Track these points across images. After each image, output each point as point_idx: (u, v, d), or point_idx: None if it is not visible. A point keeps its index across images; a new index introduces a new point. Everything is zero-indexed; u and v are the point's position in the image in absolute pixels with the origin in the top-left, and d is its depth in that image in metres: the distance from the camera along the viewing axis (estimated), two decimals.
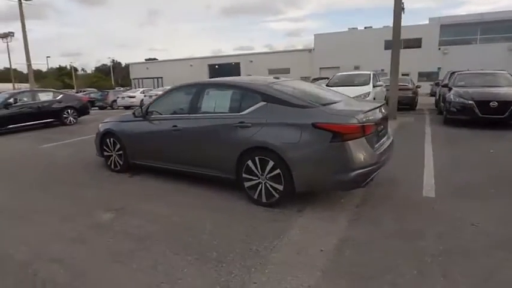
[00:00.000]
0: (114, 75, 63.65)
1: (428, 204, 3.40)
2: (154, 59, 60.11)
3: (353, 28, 37.30)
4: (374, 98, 9.60)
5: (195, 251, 2.69)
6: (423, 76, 29.91)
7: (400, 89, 11.38)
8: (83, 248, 2.84)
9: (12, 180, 4.99)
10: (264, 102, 3.51)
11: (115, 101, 20.99)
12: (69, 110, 11.45)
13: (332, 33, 36.85)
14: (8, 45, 25.91)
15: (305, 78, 20.25)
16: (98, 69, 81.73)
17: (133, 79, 49.71)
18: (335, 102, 3.59)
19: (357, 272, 2.33)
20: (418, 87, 16.29)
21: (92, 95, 22.01)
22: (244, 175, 3.54)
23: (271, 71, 41.42)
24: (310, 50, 39.12)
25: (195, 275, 2.37)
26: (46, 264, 2.60)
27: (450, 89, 8.57)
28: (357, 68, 29.06)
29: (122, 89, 27.65)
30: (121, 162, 4.95)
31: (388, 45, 33.13)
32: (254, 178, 3.48)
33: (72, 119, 11.55)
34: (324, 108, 3.30)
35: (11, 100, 10.02)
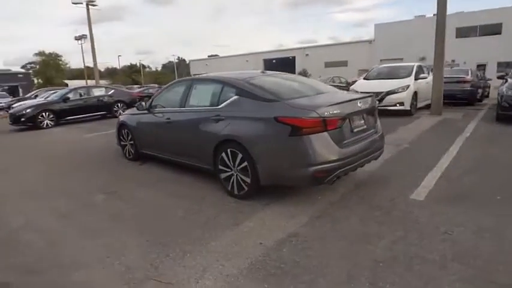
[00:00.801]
0: (178, 71, 68.12)
1: (410, 208, 3.14)
2: (216, 55, 62.66)
3: (420, 16, 34.16)
4: (416, 92, 8.88)
5: (153, 234, 2.92)
6: (503, 66, 26.17)
7: (455, 82, 10.29)
8: (66, 222, 3.29)
9: (45, 164, 5.85)
10: (237, 96, 3.59)
11: None
12: (119, 104, 12.76)
13: (394, 23, 34.39)
14: (82, 46, 29.49)
15: (363, 72, 19.36)
16: (164, 66, 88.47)
17: (194, 75, 52.51)
18: (307, 96, 3.50)
19: (283, 268, 2.32)
20: (488, 79, 14.41)
21: (150, 90, 23.99)
22: (220, 167, 3.68)
23: (328, 64, 40.32)
24: (370, 41, 37.03)
25: (137, 254, 2.60)
26: (30, 232, 3.10)
27: (506, 81, 7.48)
28: (422, 59, 26.69)
29: None
30: (133, 152, 5.47)
31: (461, 32, 29.78)
32: (227, 170, 3.60)
33: (121, 112, 12.84)
34: (289, 102, 3.24)
35: (69, 95, 11.58)
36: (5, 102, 19.84)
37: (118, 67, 72.51)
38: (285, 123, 3.05)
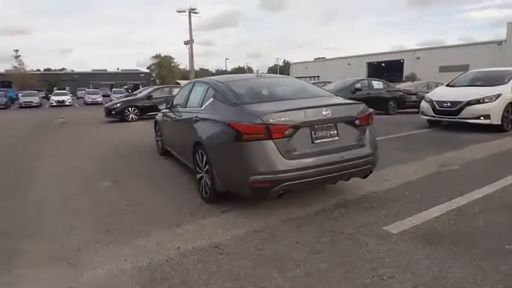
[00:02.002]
0: (284, 74, 70.37)
1: (369, 239, 2.63)
2: (323, 57, 62.28)
3: None
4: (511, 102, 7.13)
5: (108, 222, 3.26)
6: None
7: None
8: (63, 201, 3.94)
9: (96, 150, 6.99)
10: (213, 99, 3.63)
11: None
12: None
13: None
14: (189, 50, 33.55)
15: None
16: (270, 69, 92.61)
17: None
18: (272, 101, 3.29)
19: (169, 277, 2.30)
20: None
21: None
22: (196, 168, 3.80)
23: (443, 69, 35.36)
24: (500, 42, 30.87)
25: (81, 234, 2.98)
26: (35, 203, 3.85)
27: None
28: None
29: None
30: (160, 147, 6.07)
31: None
32: (199, 172, 3.68)
33: None
34: (246, 107, 3.11)
35: (152, 93, 13.39)
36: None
37: (226, 69, 79.34)
38: (233, 128, 2.97)
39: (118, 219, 3.32)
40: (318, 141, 3.02)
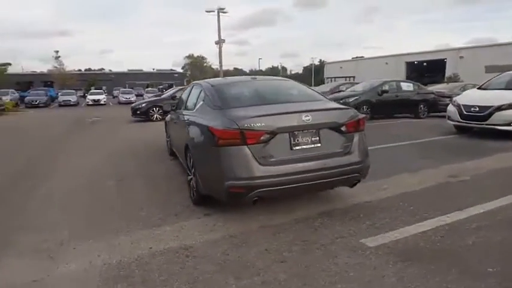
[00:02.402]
0: (319, 74, 69.23)
1: (342, 252, 2.55)
2: (361, 57, 60.61)
3: None
4: None
5: (96, 217, 3.47)
6: None
7: None
8: (65, 197, 4.21)
9: (114, 148, 7.34)
10: (202, 102, 3.71)
11: None
12: None
13: None
14: (218, 50, 34.05)
15: None
16: (305, 69, 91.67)
17: (327, 78, 52.44)
18: (255, 105, 3.27)
19: (131, 275, 2.39)
20: None
21: None
22: (187, 169, 3.90)
23: (490, 69, 32.80)
24: None
25: (68, 228, 3.17)
26: (39, 196, 4.16)
27: None
28: None
29: None
30: (168, 148, 6.27)
31: None
32: (189, 174, 3.77)
33: None
34: (228, 111, 3.14)
35: (177, 93, 13.80)
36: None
37: (260, 69, 79.77)
38: (211, 132, 3.01)
39: (106, 216, 3.49)
40: (298, 147, 2.97)
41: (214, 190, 3.15)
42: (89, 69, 67.28)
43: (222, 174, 2.88)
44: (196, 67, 48.81)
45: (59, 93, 29.30)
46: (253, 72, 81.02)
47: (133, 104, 14.52)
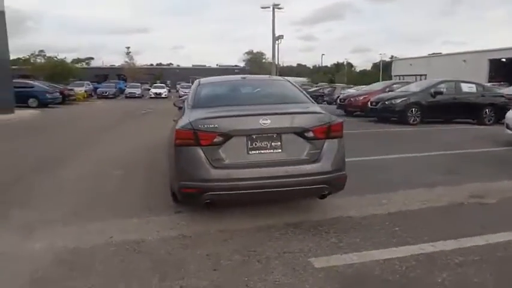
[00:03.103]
0: (388, 71, 65.14)
1: (279, 267, 2.36)
2: (439, 53, 55.58)
3: None
4: None
5: (85, 203, 3.75)
6: None
7: None
8: (73, 181, 4.62)
9: (144, 140, 7.75)
10: (187, 100, 3.73)
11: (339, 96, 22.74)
12: None
13: None
14: (278, 46, 34.04)
15: None
16: (375, 65, 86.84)
17: (395, 76, 49.09)
18: (223, 106, 3.19)
19: (76, 258, 2.53)
20: None
21: (321, 90, 24.89)
22: None
23: None
24: None
25: (57, 211, 3.46)
26: (52, 178, 4.62)
27: None
28: None
29: (351, 86, 29.02)
30: None
31: None
32: None
33: None
34: (194, 111, 3.13)
35: None
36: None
37: (323, 65, 77.73)
38: (173, 132, 3.02)
39: (93, 203, 3.76)
40: (255, 152, 2.83)
41: (174, 189, 3.16)
42: (160, 64, 72.60)
43: (177, 173, 2.90)
44: (256, 63, 49.48)
45: (127, 86, 32.25)
46: (316, 69, 79.35)
47: (175, 100, 15.23)
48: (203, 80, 4.20)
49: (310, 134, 2.87)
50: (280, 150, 2.86)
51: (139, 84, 34.32)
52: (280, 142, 2.85)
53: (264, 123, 2.78)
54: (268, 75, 4.59)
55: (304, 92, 3.67)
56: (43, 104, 17.32)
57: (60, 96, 19.12)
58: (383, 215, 3.31)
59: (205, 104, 3.30)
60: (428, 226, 3.03)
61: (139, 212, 3.42)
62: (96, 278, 2.29)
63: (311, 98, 3.55)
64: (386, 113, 10.92)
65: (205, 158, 2.76)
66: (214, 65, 63.57)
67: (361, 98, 13.18)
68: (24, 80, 19.46)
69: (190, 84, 37.35)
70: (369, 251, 2.60)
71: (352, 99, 13.80)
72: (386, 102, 10.93)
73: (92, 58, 47.66)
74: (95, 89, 29.73)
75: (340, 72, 64.19)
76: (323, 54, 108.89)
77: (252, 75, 4.51)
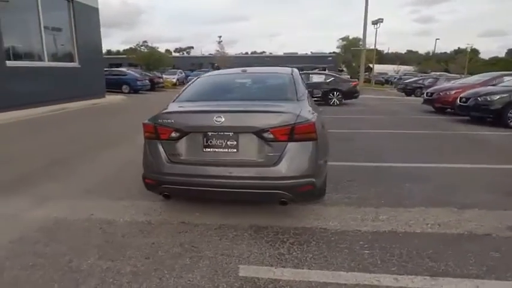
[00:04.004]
0: None
1: (201, 265, 2.36)
2: None
3: None
4: None
5: (99, 184, 4.28)
6: None
7: None
8: (113, 167, 5.30)
9: None
10: None
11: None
12: (334, 92, 13.74)
13: None
14: (376, 31, 31.45)
15: None
16: (510, 51, 73.29)
17: None
18: (199, 101, 3.23)
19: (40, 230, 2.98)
20: None
21: (420, 81, 22.51)
22: None
23: None
24: None
25: (76, 189, 4.10)
26: (97, 161, 5.40)
27: None
28: None
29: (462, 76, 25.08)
30: None
31: None
32: None
33: (336, 100, 13.78)
34: (171, 104, 3.24)
35: None
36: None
37: (434, 52, 69.32)
38: None
39: (113, 183, 4.24)
40: (209, 149, 2.81)
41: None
42: (254, 52, 75.20)
43: (143, 164, 3.09)
44: (350, 50, 46.68)
45: None
46: (428, 56, 70.60)
47: None
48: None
49: (269, 135, 2.69)
50: (235, 150, 2.78)
51: (203, 72, 36.18)
52: (237, 142, 2.77)
53: (217, 121, 2.74)
54: (273, 68, 4.38)
55: (300, 89, 3.43)
56: (134, 90, 19.95)
57: (149, 83, 21.67)
58: (366, 232, 2.92)
59: (187, 98, 3.42)
60: (412, 255, 2.55)
61: (135, 196, 3.74)
62: (54, 245, 2.71)
63: (305, 96, 3.32)
64: (478, 112, 9.18)
65: (163, 152, 2.89)
66: (307, 53, 62.85)
67: (453, 92, 11.34)
68: (119, 68, 22.82)
69: None
70: (310, 269, 2.37)
71: (441, 93, 12.00)
72: (479, 99, 9.20)
73: (192, 47, 52.19)
74: (187, 76, 32.64)
75: (459, 60, 55.19)
76: (437, 39, 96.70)
77: (255, 68, 4.38)
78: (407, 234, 2.90)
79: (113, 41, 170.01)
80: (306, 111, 2.94)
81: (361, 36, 34.38)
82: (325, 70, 47.04)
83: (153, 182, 2.96)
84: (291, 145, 2.70)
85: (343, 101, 14.01)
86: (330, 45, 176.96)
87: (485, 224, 3.08)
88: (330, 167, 4.81)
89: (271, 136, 2.69)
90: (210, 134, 2.81)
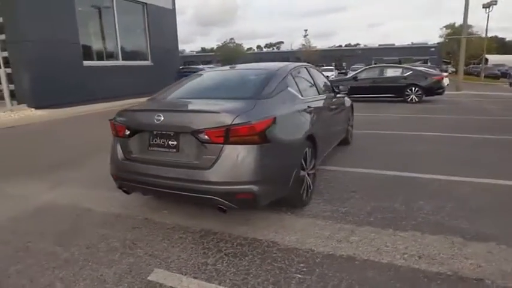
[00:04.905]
0: None
1: (98, 269, 2.42)
2: None
3: None
4: None
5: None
6: None
7: None
8: None
9: None
10: None
11: None
12: (412, 88, 12.28)
13: None
14: (488, 15, 26.73)
15: None
16: None
17: None
18: (173, 98, 3.28)
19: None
20: None
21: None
22: None
23: None
24: None
25: (88, 178, 4.63)
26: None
27: None
28: None
29: None
30: None
31: None
32: None
33: (414, 97, 12.32)
34: (146, 101, 3.35)
35: (360, 74, 12.95)
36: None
37: None
38: None
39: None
40: (154, 148, 2.83)
41: None
42: (348, 45, 72.13)
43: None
44: (455, 40, 40.36)
45: None
46: None
47: None
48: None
49: (205, 137, 2.57)
50: (175, 151, 2.74)
51: None
52: (177, 142, 2.72)
53: (157, 120, 2.74)
54: (264, 64, 4.10)
55: (273, 86, 3.16)
56: None
57: None
58: (318, 254, 2.54)
59: (162, 95, 3.52)
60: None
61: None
62: (31, 224, 3.14)
63: (277, 94, 3.06)
64: None
65: (120, 148, 3.04)
66: (407, 43, 57.38)
67: None
68: (192, 66, 24.82)
69: (360, 66, 35.48)
70: (219, 285, 2.20)
71: None
72: None
73: (282, 42, 52.69)
74: None
75: None
76: None
77: (243, 65, 4.19)
78: (366, 263, 2.44)
79: (209, 39, 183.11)
80: (259, 110, 2.72)
81: (471, 23, 29.74)
82: (426, 63, 42.30)
83: (114, 177, 3.14)
84: (227, 148, 2.54)
85: (424, 97, 12.41)
86: (435, 35, 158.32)
87: (486, 265, 2.40)
88: (342, 173, 4.41)
89: (206, 137, 2.57)
90: (155, 133, 2.84)
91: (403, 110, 10.58)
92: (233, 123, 2.51)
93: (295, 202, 3.21)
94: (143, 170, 2.86)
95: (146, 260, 2.53)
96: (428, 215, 3.17)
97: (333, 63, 43.78)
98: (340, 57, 50.51)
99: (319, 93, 4.31)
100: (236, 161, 2.54)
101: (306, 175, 3.33)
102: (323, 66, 37.92)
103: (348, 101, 5.89)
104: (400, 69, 13.02)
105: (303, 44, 47.81)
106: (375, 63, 38.47)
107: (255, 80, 3.43)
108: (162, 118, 2.74)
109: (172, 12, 15.48)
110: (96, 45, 12.82)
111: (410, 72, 12.67)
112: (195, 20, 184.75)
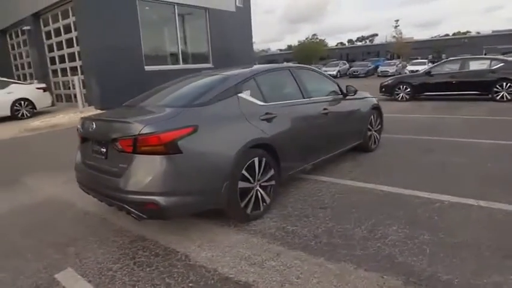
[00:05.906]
0: None
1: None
2: None
3: None
4: None
5: None
6: None
7: None
8: None
9: None
10: None
11: None
12: (504, 84, 10.29)
13: None
14: None
15: None
16: None
17: None
18: (144, 105, 3.52)
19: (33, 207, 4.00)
20: None
21: None
22: None
23: None
24: None
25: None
26: None
27: None
28: None
29: None
30: None
31: None
32: None
33: (506, 94, 10.34)
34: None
35: (433, 69, 11.37)
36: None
37: None
38: None
39: None
40: (94, 155, 3.07)
41: None
42: (458, 33, 64.17)
43: None
44: None
45: (380, 65, 31.36)
46: None
47: (385, 80, 13.51)
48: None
49: (119, 146, 2.68)
50: (104, 158, 2.92)
51: (395, 61, 32.42)
52: (106, 150, 2.89)
53: (91, 128, 2.99)
54: (232, 71, 3.81)
55: (213, 93, 3.08)
56: None
57: None
58: (217, 277, 2.40)
59: (130, 101, 3.78)
60: None
61: None
62: (27, 219, 3.64)
63: (216, 101, 3.02)
64: None
65: (80, 153, 3.35)
66: None
67: None
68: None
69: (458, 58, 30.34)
70: None
71: None
72: None
73: (376, 35, 49.45)
74: (350, 68, 31.39)
75: None
76: None
77: (206, 71, 4.11)
78: None
79: (299, 36, 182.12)
80: (178, 119, 2.71)
81: None
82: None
83: (80, 186, 3.40)
84: (136, 158, 2.61)
85: None
86: None
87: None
88: (333, 185, 3.95)
89: (120, 147, 2.68)
90: (94, 140, 3.09)
91: (476, 110, 8.91)
92: (140, 133, 2.56)
93: (235, 216, 3.08)
94: (88, 176, 3.14)
95: (71, 258, 2.76)
96: (386, 246, 2.68)
97: (430, 56, 39.04)
98: (441, 48, 44.69)
99: (303, 97, 4.00)
100: (143, 171, 2.59)
101: (258, 187, 3.16)
102: (417, 59, 34.19)
103: (369, 102, 5.30)
104: (488, 61, 11.01)
105: (394, 36, 43.97)
106: (485, 54, 33.19)
107: (203, 86, 3.40)
108: (94, 126, 2.99)
109: (234, 14, 15.92)
110: (158, 50, 14.10)
111: (501, 64, 10.61)
112: (284, 17, 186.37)
